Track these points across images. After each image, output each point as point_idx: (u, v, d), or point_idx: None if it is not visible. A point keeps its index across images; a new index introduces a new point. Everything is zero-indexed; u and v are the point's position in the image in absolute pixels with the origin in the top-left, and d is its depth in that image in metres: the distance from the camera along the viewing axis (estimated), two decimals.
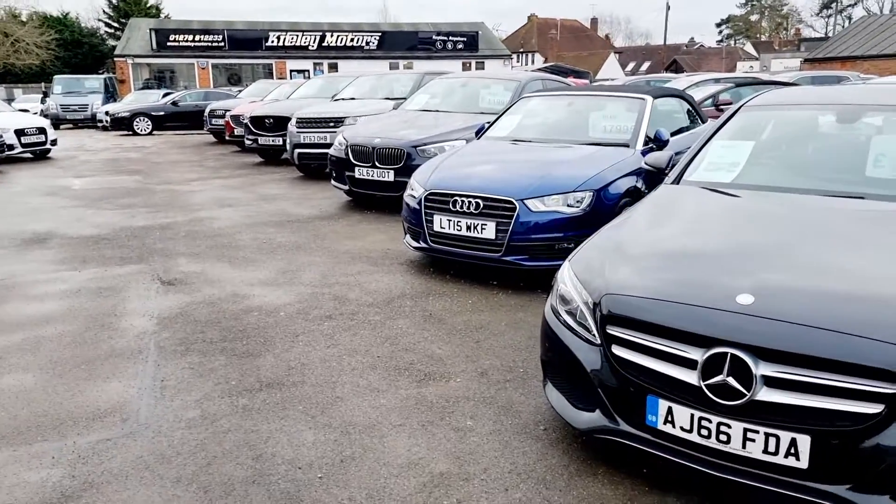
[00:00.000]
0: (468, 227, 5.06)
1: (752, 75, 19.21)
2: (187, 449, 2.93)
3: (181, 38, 32.75)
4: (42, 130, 14.60)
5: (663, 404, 2.45)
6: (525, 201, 4.89)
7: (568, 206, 4.91)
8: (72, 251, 6.46)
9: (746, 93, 13.73)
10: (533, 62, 64.17)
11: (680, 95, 6.75)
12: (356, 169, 8.00)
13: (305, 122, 10.65)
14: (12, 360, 3.90)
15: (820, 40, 62.80)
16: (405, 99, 11.08)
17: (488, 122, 6.82)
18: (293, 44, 33.46)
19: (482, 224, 5.00)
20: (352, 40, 34.05)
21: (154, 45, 32.57)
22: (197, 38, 32.95)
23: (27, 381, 3.62)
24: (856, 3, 79.61)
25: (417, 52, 34.45)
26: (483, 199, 5.01)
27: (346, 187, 8.24)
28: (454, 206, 5.13)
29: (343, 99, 11.72)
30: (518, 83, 8.94)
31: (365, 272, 5.61)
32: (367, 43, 34.25)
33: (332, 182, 8.56)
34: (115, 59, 33.29)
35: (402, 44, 34.85)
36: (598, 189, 4.96)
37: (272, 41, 33.31)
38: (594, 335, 2.69)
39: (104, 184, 11.03)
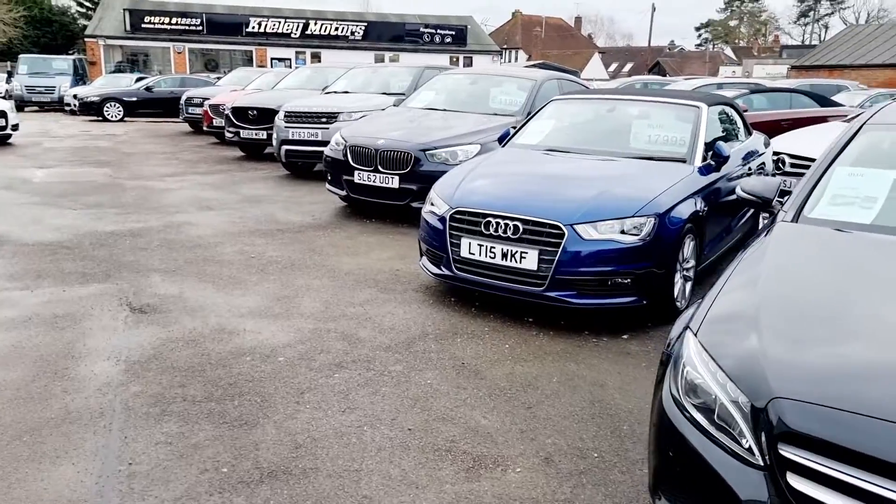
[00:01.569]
0: (504, 255, 4.24)
1: (752, 81, 18.65)
2: None
3: (157, 19, 31.35)
4: (1, 114, 13.42)
5: None
6: (575, 227, 4.09)
7: (625, 233, 4.11)
8: (25, 262, 5.50)
9: (759, 100, 13.12)
10: (517, 59, 63.48)
11: (729, 104, 5.99)
12: (356, 173, 7.13)
13: (294, 116, 9.73)
14: None
15: (801, 48, 63.11)
16: (403, 95, 10.25)
17: (513, 127, 6.01)
18: (275, 31, 32.21)
19: (522, 252, 4.18)
20: (336, 29, 32.89)
21: (128, 27, 31.11)
22: (173, 20, 31.56)
23: None
24: (833, 13, 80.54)
25: (404, 45, 33.40)
26: (523, 221, 4.19)
27: (344, 193, 7.36)
28: (487, 228, 4.30)
29: (336, 92, 10.80)
30: (534, 83, 8.13)
31: (375, 301, 4.77)
32: (352, 33, 33.11)
33: (327, 186, 7.68)
34: (86, 39, 31.77)
35: (387, 35, 33.77)
36: (661, 214, 4.18)
37: (253, 27, 32.05)
38: (753, 452, 1.89)
39: (69, 177, 9.99)
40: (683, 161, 4.85)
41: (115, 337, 4.03)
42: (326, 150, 7.67)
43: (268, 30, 32.18)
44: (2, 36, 36.43)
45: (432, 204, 4.83)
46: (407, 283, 5.18)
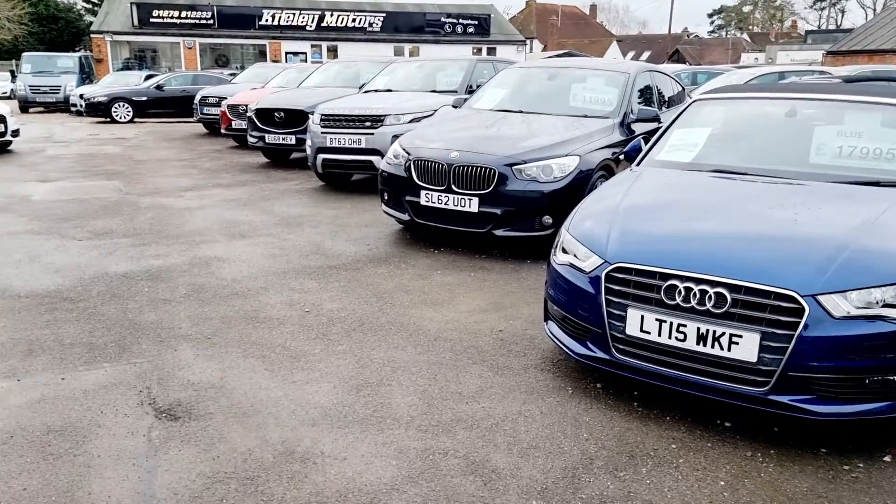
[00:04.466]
0: (701, 338, 2.88)
1: (818, 69, 17.09)
2: None
3: (165, 13, 30.00)
4: (0, 119, 12.14)
5: None
6: (819, 298, 2.72)
7: (889, 305, 2.74)
8: (14, 327, 4.19)
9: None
10: (532, 49, 61.91)
11: None
12: (422, 193, 5.78)
13: (333, 120, 8.38)
14: None
15: (827, 32, 61.31)
16: (455, 92, 8.91)
17: (642, 137, 4.64)
18: (289, 23, 30.79)
19: (733, 334, 2.82)
20: (353, 21, 31.41)
21: (135, 22, 29.80)
22: (183, 14, 30.20)
23: None
24: None
25: (425, 36, 31.89)
26: (733, 287, 2.83)
27: (407, 217, 6.00)
28: (671, 296, 2.94)
29: (377, 91, 9.44)
30: (627, 76, 6.75)
31: (491, 391, 3.41)
32: (370, 24, 31.65)
33: (384, 207, 6.32)
34: (92, 35, 30.50)
35: (407, 26, 32.26)
36: None
37: (266, 20, 30.63)
38: None
39: (74, 192, 8.70)
40: None
41: (134, 472, 2.70)
42: (382, 165, 6.32)
43: (282, 22, 30.75)
44: (6, 34, 35.31)
45: (564, 251, 3.49)
46: (522, 355, 3.83)
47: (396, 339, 4.06)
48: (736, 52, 65.43)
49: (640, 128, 6.48)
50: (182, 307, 4.56)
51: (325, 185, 9.14)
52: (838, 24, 77.52)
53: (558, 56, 29.81)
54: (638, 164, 4.26)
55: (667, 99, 7.61)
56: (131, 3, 30.39)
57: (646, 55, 70.34)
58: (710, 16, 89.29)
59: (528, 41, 64.21)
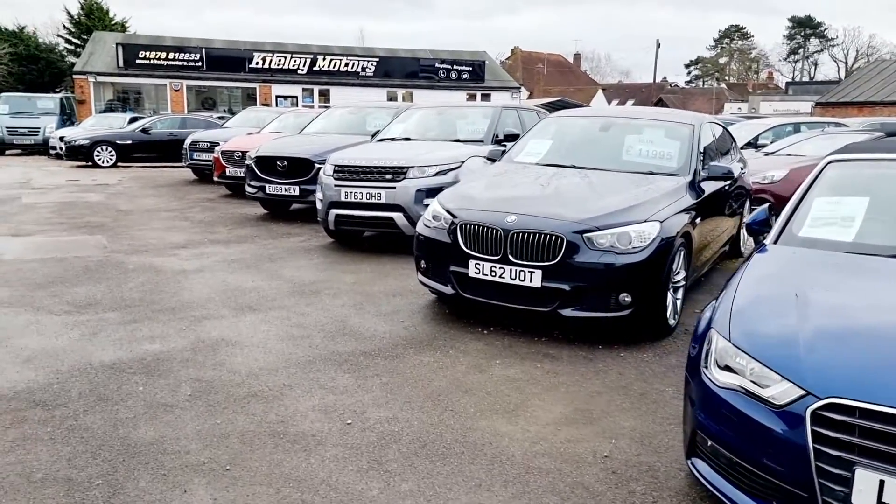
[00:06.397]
0: None
1: (819, 120, 16.66)
2: None
3: (152, 55, 29.22)
4: None
5: None
6: None
7: None
8: None
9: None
10: (518, 97, 62.11)
11: None
12: (471, 262, 4.86)
13: (347, 172, 7.50)
14: None
15: (807, 84, 62.52)
16: (480, 142, 8.13)
17: (766, 206, 3.77)
18: (280, 66, 30.16)
19: None
20: (346, 65, 30.86)
21: (121, 63, 28.96)
22: (170, 55, 29.44)
23: None
24: (822, 50, 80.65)
25: (418, 81, 31.39)
26: None
27: (451, 290, 5.07)
28: None
29: (394, 139, 8.59)
30: (691, 129, 5.97)
31: None
32: (363, 69, 31.13)
33: (422, 278, 5.39)
34: (75, 76, 29.59)
35: (401, 71, 31.77)
36: None
37: (256, 62, 29.97)
38: None
39: (52, 250, 7.66)
40: None
41: None
42: (419, 228, 5.41)
43: (272, 66, 30.10)
44: None
45: (723, 367, 2.57)
46: (651, 501, 2.87)
47: (475, 470, 3.09)
48: (719, 102, 66.40)
49: (709, 187, 5.69)
50: (188, 416, 3.56)
51: (335, 242, 8.21)
52: (811, 76, 79.43)
53: (551, 104, 29.45)
54: (775, 242, 3.38)
55: (722, 152, 6.85)
56: (117, 44, 29.63)
57: (630, 103, 71.10)
58: (688, 66, 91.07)
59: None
